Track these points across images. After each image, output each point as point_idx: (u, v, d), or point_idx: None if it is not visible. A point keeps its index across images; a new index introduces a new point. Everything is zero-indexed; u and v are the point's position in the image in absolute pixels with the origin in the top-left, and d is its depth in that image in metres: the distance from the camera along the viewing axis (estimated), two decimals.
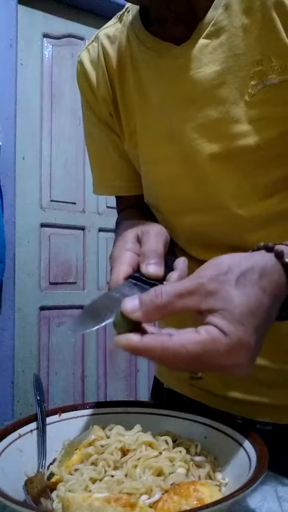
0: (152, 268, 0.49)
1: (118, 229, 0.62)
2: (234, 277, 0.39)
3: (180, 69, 0.55)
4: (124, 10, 0.65)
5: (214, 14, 0.53)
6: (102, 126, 0.68)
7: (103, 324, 0.43)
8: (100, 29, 0.67)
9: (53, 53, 2.18)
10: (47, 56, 2.16)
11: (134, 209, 0.72)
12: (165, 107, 0.58)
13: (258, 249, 0.43)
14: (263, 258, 0.41)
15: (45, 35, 2.15)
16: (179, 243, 0.67)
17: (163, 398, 0.76)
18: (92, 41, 0.67)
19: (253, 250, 0.44)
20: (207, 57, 0.54)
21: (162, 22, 0.57)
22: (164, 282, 0.49)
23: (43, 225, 2.10)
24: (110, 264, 0.53)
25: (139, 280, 0.49)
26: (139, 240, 0.54)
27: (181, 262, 0.52)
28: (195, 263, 0.63)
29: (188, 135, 0.56)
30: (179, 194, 0.62)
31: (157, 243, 0.52)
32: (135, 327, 0.41)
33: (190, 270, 0.65)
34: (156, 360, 0.40)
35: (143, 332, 0.41)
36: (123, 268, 0.50)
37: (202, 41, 0.54)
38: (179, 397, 0.71)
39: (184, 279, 0.41)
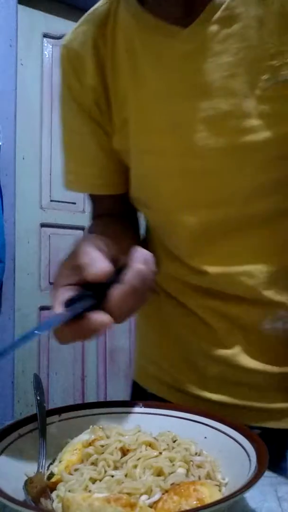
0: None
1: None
2: None
3: (189, 55, 0.52)
4: None
5: None
6: (84, 117, 0.62)
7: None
8: (89, 11, 0.61)
9: (53, 53, 2.17)
10: (47, 56, 2.16)
11: (109, 218, 0.68)
12: (166, 94, 0.55)
13: None
14: None
15: (45, 35, 2.15)
16: (175, 251, 0.63)
17: None
18: (80, 24, 0.61)
19: None
20: (218, 46, 0.51)
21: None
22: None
23: (43, 225, 2.10)
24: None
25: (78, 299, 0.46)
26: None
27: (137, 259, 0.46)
28: (200, 275, 0.59)
29: (194, 127, 0.53)
30: (178, 188, 0.58)
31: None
32: None
33: (190, 282, 0.60)
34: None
35: None
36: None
37: (213, 27, 0.50)
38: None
39: None
